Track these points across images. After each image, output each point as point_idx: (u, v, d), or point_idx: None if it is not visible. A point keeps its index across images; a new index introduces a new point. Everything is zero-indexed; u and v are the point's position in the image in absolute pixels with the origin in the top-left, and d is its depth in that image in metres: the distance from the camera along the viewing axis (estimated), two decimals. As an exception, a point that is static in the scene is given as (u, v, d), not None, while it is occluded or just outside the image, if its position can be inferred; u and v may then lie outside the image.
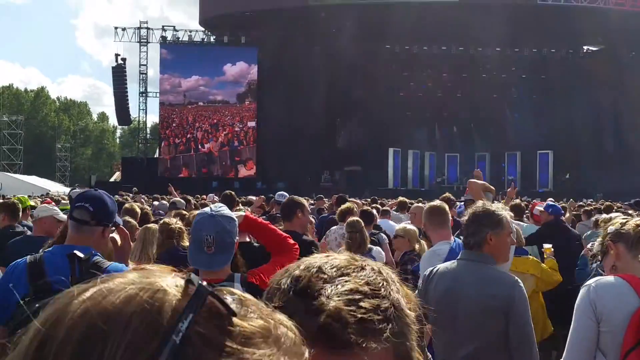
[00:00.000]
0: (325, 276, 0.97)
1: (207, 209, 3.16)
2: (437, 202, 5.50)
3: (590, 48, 44.43)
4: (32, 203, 8.24)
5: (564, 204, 14.47)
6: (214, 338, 0.61)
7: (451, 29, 37.53)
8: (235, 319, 0.63)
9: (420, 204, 9.62)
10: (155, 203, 13.07)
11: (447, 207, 5.30)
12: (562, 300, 6.38)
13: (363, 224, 6.62)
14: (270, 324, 0.66)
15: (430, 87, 43.41)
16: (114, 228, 3.52)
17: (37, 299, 2.76)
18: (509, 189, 7.52)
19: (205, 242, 3.00)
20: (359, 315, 0.91)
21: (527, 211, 9.50)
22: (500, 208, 3.66)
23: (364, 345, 0.89)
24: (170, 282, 0.64)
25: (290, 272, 1.00)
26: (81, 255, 2.88)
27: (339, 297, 0.93)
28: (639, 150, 36.69)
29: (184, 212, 7.98)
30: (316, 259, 1.03)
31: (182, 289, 0.64)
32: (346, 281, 0.96)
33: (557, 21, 36.02)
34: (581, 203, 17.98)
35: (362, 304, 0.93)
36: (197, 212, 6.10)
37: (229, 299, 0.65)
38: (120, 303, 0.61)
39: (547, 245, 7.01)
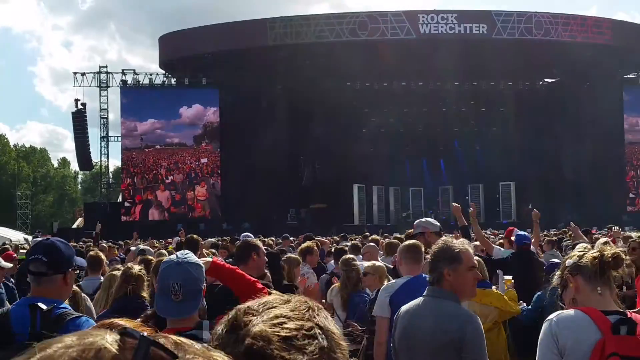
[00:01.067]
0: (253, 311, 1.07)
1: (173, 257, 3.16)
2: (413, 241, 5.62)
3: (547, 80, 45.43)
4: None
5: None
6: None
7: (410, 64, 38.12)
8: None
9: (372, 243, 9.73)
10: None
11: (422, 247, 5.40)
12: (523, 332, 6.45)
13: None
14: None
15: (392, 123, 43.81)
16: (77, 271, 3.51)
17: (1, 350, 2.81)
18: (470, 209, 7.91)
19: (172, 290, 2.97)
20: (283, 334, 1.00)
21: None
22: (462, 243, 3.64)
23: (289, 357, 0.97)
24: (110, 339, 0.66)
25: (224, 318, 1.09)
26: (43, 307, 2.85)
27: (264, 323, 1.03)
28: (598, 180, 37.43)
29: (150, 257, 7.86)
30: (248, 302, 1.13)
31: (121, 343, 0.65)
32: (271, 311, 1.06)
33: (512, 55, 36.79)
34: (546, 233, 18.22)
35: (285, 325, 1.02)
36: (163, 258, 6.04)
37: (168, 345, 0.68)
38: None
39: (507, 277, 7.14)
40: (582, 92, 40.05)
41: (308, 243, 8.42)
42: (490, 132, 43.34)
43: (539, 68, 42.23)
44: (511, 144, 40.74)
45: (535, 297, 6.83)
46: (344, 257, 7.07)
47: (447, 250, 3.55)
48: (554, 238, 13.45)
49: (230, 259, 5.91)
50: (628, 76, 43.50)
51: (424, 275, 4.98)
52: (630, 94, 40.80)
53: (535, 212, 9.04)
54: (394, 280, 5.44)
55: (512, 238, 8.70)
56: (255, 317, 1.05)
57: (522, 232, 8.80)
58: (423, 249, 5.41)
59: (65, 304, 3.25)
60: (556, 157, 39.28)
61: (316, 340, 1.02)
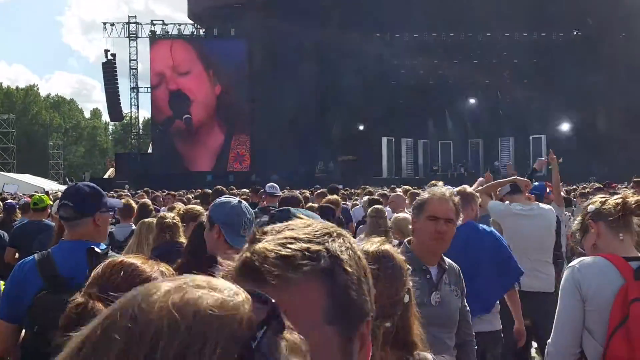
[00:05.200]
0: (272, 231, 1.10)
1: (230, 199, 3.61)
2: (464, 187, 5.48)
3: (582, 30, 44.40)
4: (51, 202, 8.30)
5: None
6: (276, 349, 0.68)
7: (441, 15, 37.46)
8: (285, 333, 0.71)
9: (400, 193, 9.71)
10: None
11: (472, 193, 5.35)
12: None
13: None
14: (299, 340, 0.73)
15: (422, 75, 43.33)
16: (111, 213, 3.59)
17: (53, 293, 2.90)
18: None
19: (243, 225, 3.38)
20: (283, 253, 1.03)
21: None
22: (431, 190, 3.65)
23: (278, 275, 1.00)
24: (245, 295, 0.70)
25: None
26: (99, 250, 2.93)
27: (269, 241, 1.06)
28: (632, 134, 36.78)
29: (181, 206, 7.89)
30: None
31: (250, 302, 0.69)
32: (286, 232, 1.09)
33: (547, 5, 35.95)
34: (575, 186, 18.04)
35: (290, 245, 1.04)
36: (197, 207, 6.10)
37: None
38: (214, 306, 0.66)
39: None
40: (618, 43, 39.11)
41: (329, 197, 8.45)
42: (521, 85, 42.64)
43: (575, 17, 41.24)
44: (543, 96, 40.09)
45: None
46: (374, 206, 7.07)
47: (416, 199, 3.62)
48: (587, 190, 13.28)
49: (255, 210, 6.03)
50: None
51: (472, 222, 4.97)
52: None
53: (552, 155, 8.50)
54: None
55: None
56: (269, 236, 1.08)
57: (536, 183, 8.41)
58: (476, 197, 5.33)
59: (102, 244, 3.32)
60: (589, 110, 38.63)
61: (315, 262, 1.03)
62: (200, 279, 0.71)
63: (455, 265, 3.57)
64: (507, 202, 6.65)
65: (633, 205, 2.98)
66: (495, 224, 6.17)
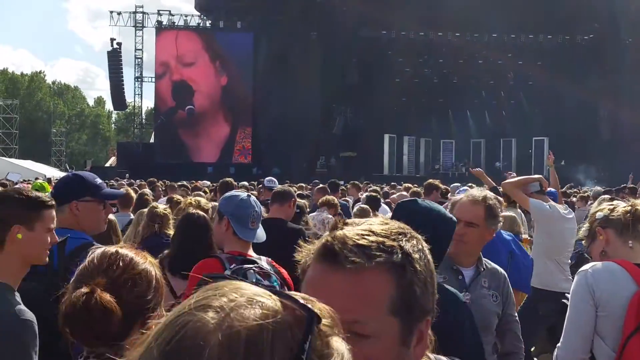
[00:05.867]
0: (352, 223, 1.20)
1: (239, 192, 3.80)
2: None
3: (588, 34, 44.30)
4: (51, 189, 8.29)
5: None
6: (319, 354, 0.72)
7: (448, 14, 37.39)
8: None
9: (403, 192, 9.71)
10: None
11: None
12: None
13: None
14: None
15: (426, 73, 43.27)
16: (104, 202, 3.51)
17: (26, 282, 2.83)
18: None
19: (251, 217, 3.53)
20: (361, 242, 1.12)
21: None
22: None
23: (353, 260, 1.09)
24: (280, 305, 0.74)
25: None
26: (62, 239, 2.93)
27: (349, 231, 1.15)
28: (635, 140, 36.71)
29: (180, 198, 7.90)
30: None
31: (284, 309, 0.73)
32: (365, 225, 1.17)
33: (553, 7, 35.89)
34: (575, 190, 18.02)
35: (368, 237, 1.13)
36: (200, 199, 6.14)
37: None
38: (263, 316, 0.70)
39: (524, 236, 6.97)
40: (623, 48, 39.05)
41: (327, 197, 8.52)
42: (526, 86, 42.60)
43: (580, 21, 41.13)
44: (547, 98, 40.06)
45: None
46: (360, 206, 7.09)
47: None
48: (587, 194, 13.25)
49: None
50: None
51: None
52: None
53: (551, 157, 8.62)
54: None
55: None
56: (349, 227, 1.17)
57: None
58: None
59: (84, 233, 3.31)
60: (593, 114, 38.60)
61: (388, 255, 1.12)
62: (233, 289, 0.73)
63: (501, 271, 3.45)
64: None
65: None
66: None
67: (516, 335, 3.47)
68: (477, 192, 3.52)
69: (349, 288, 1.10)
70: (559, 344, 3.02)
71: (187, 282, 3.59)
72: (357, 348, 0.82)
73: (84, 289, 1.81)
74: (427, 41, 41.16)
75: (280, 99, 36.63)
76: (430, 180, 9.05)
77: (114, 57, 41.78)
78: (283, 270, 3.54)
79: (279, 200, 5.80)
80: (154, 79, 41.38)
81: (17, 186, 11.15)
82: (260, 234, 3.62)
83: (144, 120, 49.37)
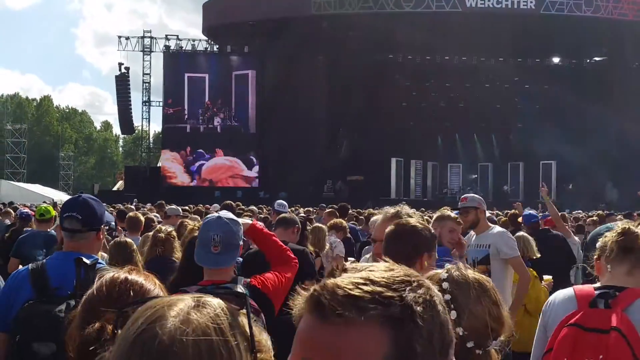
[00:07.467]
0: (352, 269, 1.09)
1: (215, 214, 3.42)
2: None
3: (595, 59, 44.42)
4: (56, 213, 8.34)
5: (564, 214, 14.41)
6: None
7: (454, 38, 37.53)
8: None
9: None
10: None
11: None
12: None
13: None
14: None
15: (433, 97, 43.39)
16: (107, 227, 3.58)
17: (40, 304, 2.91)
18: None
19: (212, 241, 3.17)
20: (353, 293, 1.00)
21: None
22: None
23: (340, 314, 0.98)
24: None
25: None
26: (87, 261, 2.90)
27: (344, 279, 1.04)
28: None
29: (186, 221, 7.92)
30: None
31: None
32: (364, 273, 1.06)
33: (560, 31, 36.00)
34: (585, 214, 17.92)
35: (363, 287, 1.02)
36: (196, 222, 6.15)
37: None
38: None
39: (546, 277, 6.65)
40: (630, 72, 39.07)
41: (335, 220, 8.57)
42: (533, 110, 42.60)
43: (587, 46, 41.27)
44: (554, 122, 40.01)
45: None
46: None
47: None
48: (595, 218, 13.11)
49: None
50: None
51: None
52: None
53: (543, 188, 8.71)
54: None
55: (519, 219, 8.51)
56: (346, 274, 1.06)
57: (528, 211, 8.48)
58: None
59: (100, 259, 3.33)
60: (601, 137, 38.52)
61: (383, 308, 1.00)
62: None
63: None
64: None
65: (623, 237, 2.88)
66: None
67: None
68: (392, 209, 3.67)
69: (335, 344, 1.00)
70: None
71: None
72: None
73: (96, 325, 1.75)
74: (434, 65, 41.32)
75: (287, 123, 36.71)
76: (445, 208, 8.85)
77: (122, 82, 42.05)
78: (265, 286, 3.39)
79: (283, 225, 5.97)
80: (161, 103, 41.57)
81: (24, 210, 11.16)
82: (227, 259, 3.25)
83: (151, 144, 49.54)
